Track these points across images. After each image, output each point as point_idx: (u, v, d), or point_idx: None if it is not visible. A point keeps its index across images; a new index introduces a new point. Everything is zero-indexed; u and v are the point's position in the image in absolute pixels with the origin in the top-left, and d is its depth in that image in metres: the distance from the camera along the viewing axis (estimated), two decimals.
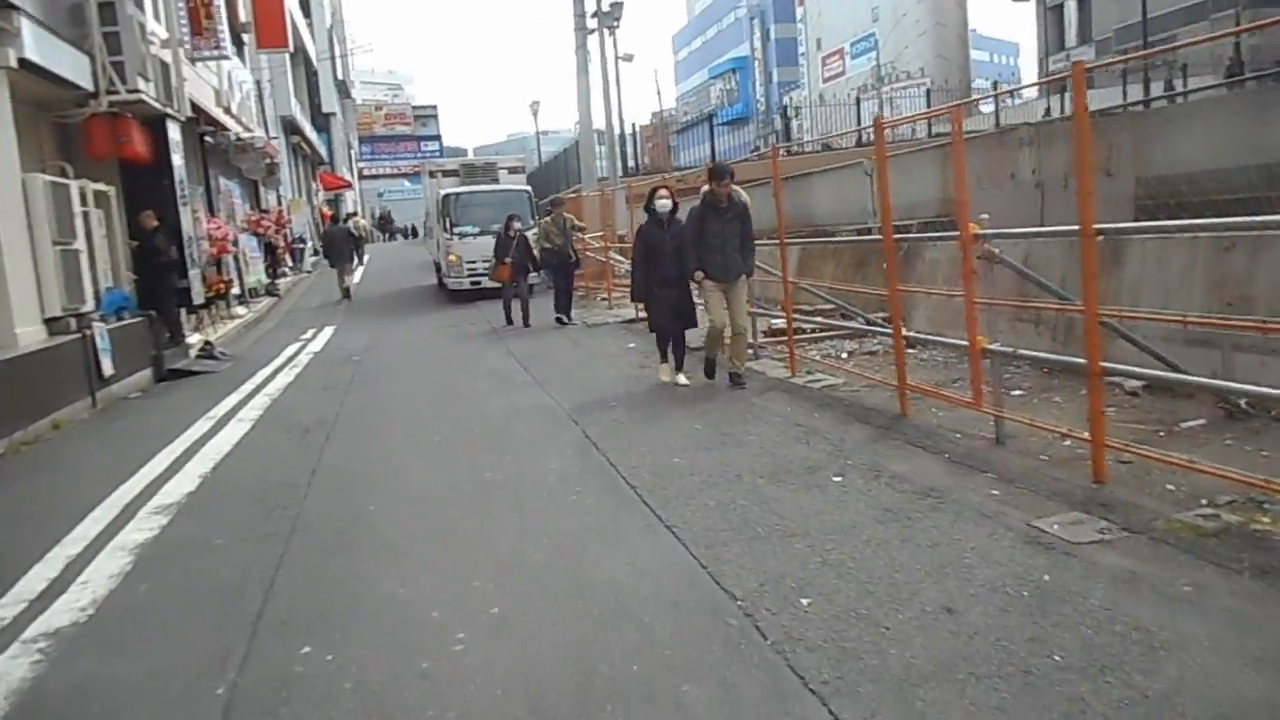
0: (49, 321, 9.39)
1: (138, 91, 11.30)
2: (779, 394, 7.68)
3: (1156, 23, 33.14)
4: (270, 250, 22.32)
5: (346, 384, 9.95)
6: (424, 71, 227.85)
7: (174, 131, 12.73)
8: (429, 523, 4.99)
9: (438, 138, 59.42)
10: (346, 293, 20.44)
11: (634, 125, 28.69)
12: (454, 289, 18.22)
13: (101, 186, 11.14)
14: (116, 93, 11.17)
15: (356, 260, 23.17)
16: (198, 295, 13.13)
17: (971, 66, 58.69)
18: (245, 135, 20.15)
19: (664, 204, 8.32)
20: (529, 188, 19.56)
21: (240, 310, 17.72)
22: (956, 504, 4.60)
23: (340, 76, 46.37)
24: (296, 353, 13.00)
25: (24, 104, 10.73)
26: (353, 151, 53.85)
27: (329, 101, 42.96)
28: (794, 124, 46.05)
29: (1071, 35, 42.84)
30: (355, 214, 32.73)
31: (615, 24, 22.72)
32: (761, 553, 4.06)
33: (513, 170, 19.62)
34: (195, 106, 16.01)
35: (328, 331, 15.41)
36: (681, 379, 8.38)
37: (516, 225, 13.96)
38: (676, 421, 6.98)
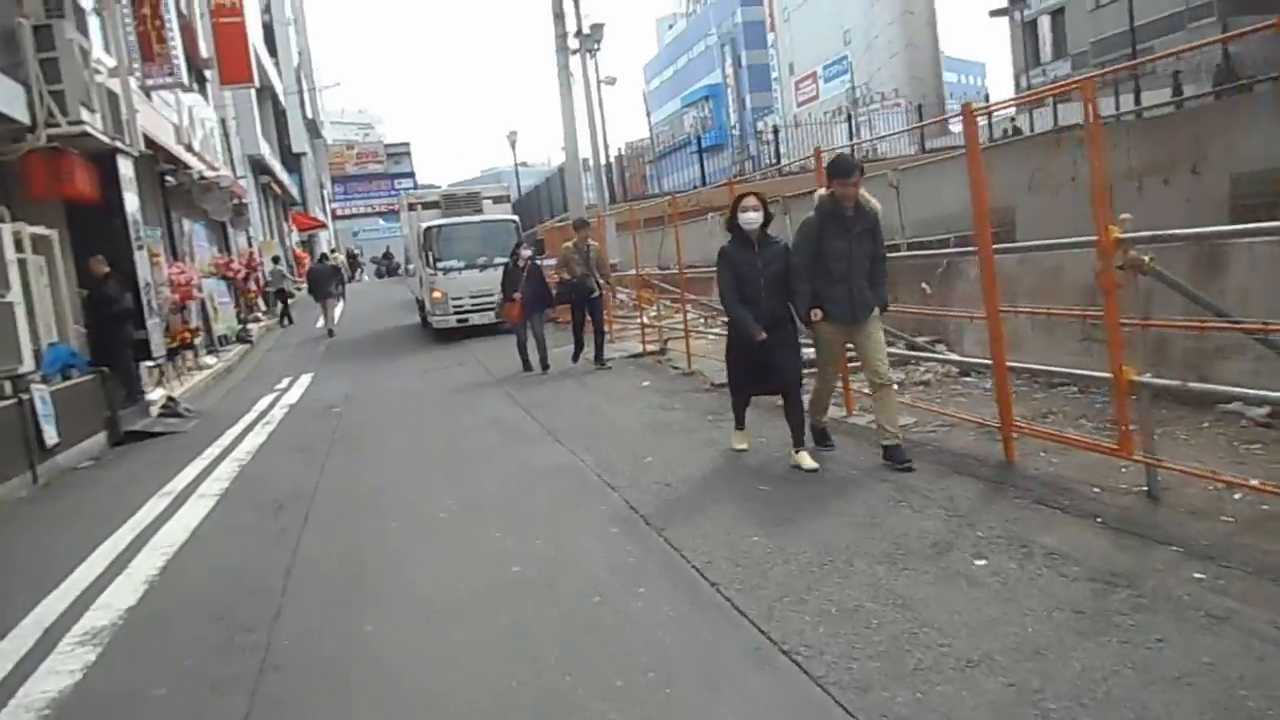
0: None
1: (81, 123, 10.00)
2: (841, 438, 6.46)
3: (1132, 34, 32.75)
4: (240, 295, 20.95)
5: (327, 443, 8.62)
6: (395, 110, 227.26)
7: (125, 168, 11.43)
8: (446, 652, 3.68)
9: (411, 174, 58.28)
10: (330, 330, 20.25)
11: (619, 150, 27.63)
12: (439, 328, 16.93)
13: (41, 230, 9.81)
14: (57, 125, 9.87)
15: (341, 295, 23.03)
16: (158, 347, 11.77)
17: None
18: (209, 174, 18.84)
19: (752, 218, 5.90)
20: (516, 217, 18.35)
21: (209, 360, 16.31)
22: (1164, 600, 3.38)
23: (310, 115, 45.18)
24: (270, 406, 11.64)
25: None
26: (325, 191, 52.56)
27: (299, 141, 41.73)
28: (767, 148, 45.40)
29: (1047, 51, 42.57)
30: (335, 250, 31.33)
31: (596, 47, 21.72)
32: (946, 702, 2.80)
33: (497, 200, 18.42)
34: (153, 143, 14.73)
35: (305, 380, 14.05)
36: (807, 461, 5.76)
37: (526, 254, 11.98)
38: (731, 480, 5.74)
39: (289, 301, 24.26)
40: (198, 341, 16.03)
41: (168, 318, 14.17)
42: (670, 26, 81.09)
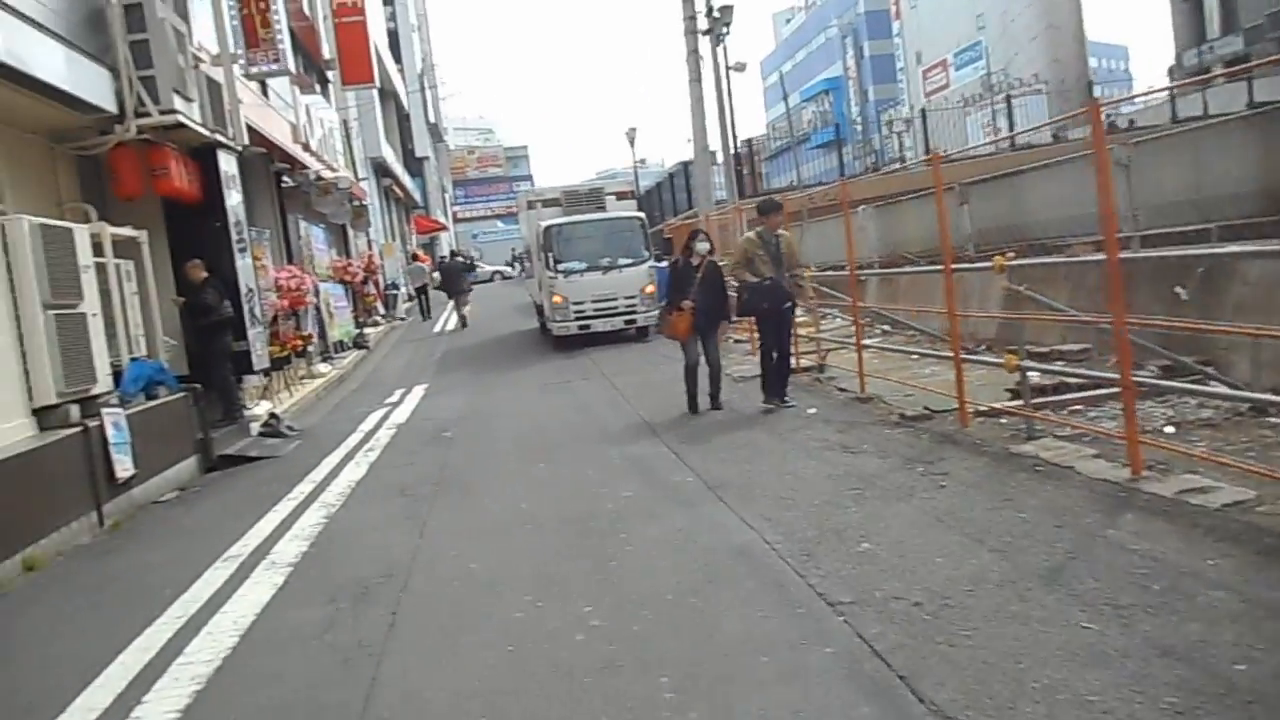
0: (40, 412, 6.77)
1: (174, 112, 8.77)
2: (1158, 525, 4.35)
3: None
4: (358, 299, 20.01)
5: (432, 485, 7.01)
6: (513, 114, 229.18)
7: (227, 163, 10.22)
8: None
9: (529, 177, 57.76)
10: (463, 321, 21.39)
11: (749, 142, 25.57)
12: (559, 334, 15.37)
13: (127, 231, 8.62)
14: (148, 114, 8.67)
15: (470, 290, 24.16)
16: (260, 359, 10.53)
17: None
18: (328, 175, 17.88)
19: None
20: (642, 214, 16.62)
21: (322, 368, 15.22)
22: None
23: (432, 120, 44.88)
24: (377, 425, 10.23)
25: (31, 132, 8.32)
26: (446, 195, 52.43)
27: (422, 145, 41.40)
28: (896, 139, 42.30)
29: (1214, 26, 38.01)
30: (456, 251, 30.67)
31: (725, 30, 19.77)
32: None
33: (621, 196, 16.73)
34: (267, 141, 13.68)
35: (417, 392, 12.68)
36: None
37: (703, 247, 8.61)
38: (1014, 588, 3.74)
39: (427, 296, 25.49)
40: (310, 349, 14.95)
41: (279, 325, 13.07)
42: (788, 21, 78.32)
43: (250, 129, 12.61)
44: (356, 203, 20.75)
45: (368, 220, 23.06)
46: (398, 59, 36.44)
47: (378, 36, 26.16)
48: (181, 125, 9.15)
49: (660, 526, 5.36)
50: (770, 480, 6.07)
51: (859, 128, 64.08)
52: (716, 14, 19.09)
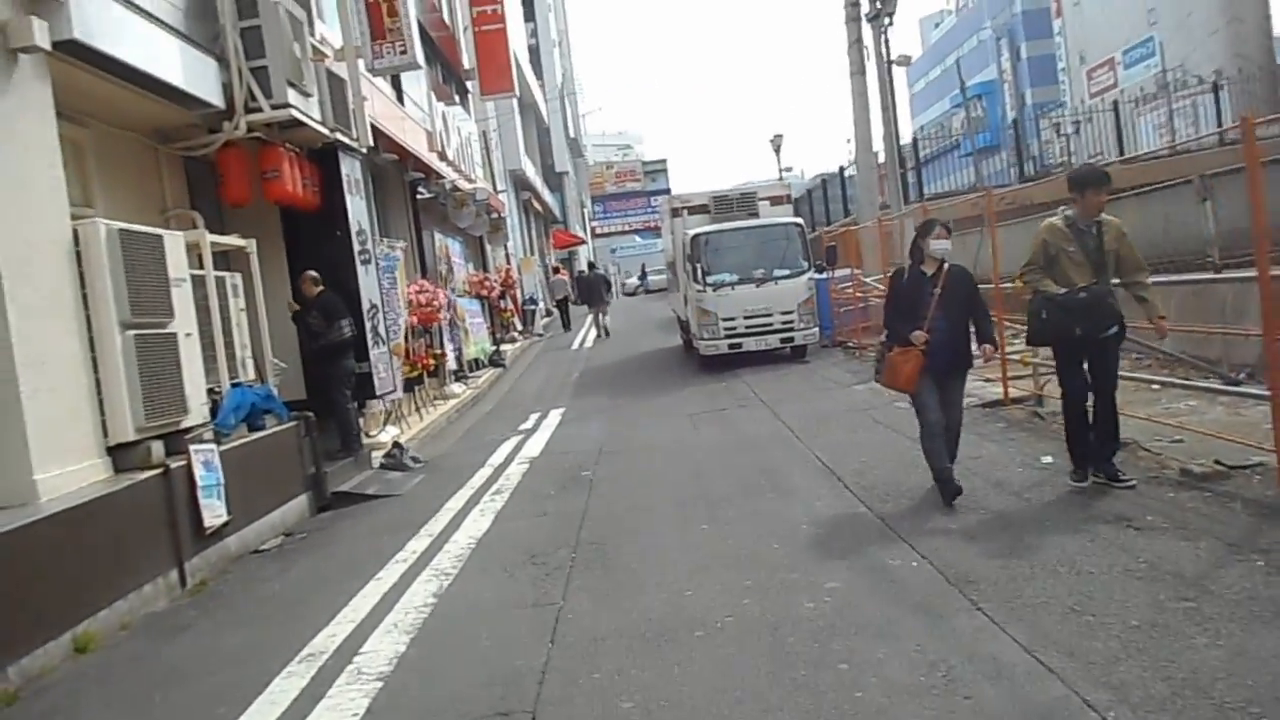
0: (116, 450, 5.66)
1: (288, 106, 7.70)
2: None
3: None
4: (495, 314, 19.04)
5: (568, 551, 5.46)
6: (653, 128, 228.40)
7: (349, 167, 9.14)
8: None
9: (667, 191, 56.55)
10: (605, 331, 21.41)
11: (914, 137, 23.22)
12: (707, 354, 13.72)
13: (232, 240, 7.57)
14: (258, 109, 7.62)
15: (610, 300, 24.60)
16: (384, 382, 9.38)
17: None
18: (465, 186, 16.96)
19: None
20: (800, 220, 14.79)
21: (456, 389, 14.15)
22: None
23: (572, 135, 44.39)
24: (508, 458, 8.86)
25: (133, 131, 7.39)
26: (585, 210, 51.96)
27: (561, 160, 40.87)
28: (1054, 145, 38.56)
29: None
30: (594, 265, 29.95)
31: (889, 19, 17.68)
32: None
33: (775, 201, 14.92)
34: (401, 149, 12.73)
35: (553, 417, 11.31)
36: None
37: (941, 246, 5.60)
38: None
39: (568, 309, 25.40)
40: (444, 368, 13.91)
41: (410, 343, 12.03)
42: (936, 25, 74.40)
43: (382, 134, 11.65)
44: (495, 215, 19.84)
45: (506, 234, 22.20)
46: (539, 75, 35.97)
47: (518, 47, 25.42)
48: (298, 123, 8.10)
49: (894, 649, 3.59)
50: (1043, 573, 4.20)
51: (1013, 133, 59.85)
52: (880, 1, 17.06)
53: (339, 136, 8.78)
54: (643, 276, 44.05)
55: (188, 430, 6.24)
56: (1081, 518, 5.01)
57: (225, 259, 7.85)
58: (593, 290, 22.59)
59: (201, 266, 6.87)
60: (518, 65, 24.17)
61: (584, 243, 44.38)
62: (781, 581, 4.54)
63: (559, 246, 40.52)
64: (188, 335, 6.42)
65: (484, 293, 17.92)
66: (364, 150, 9.47)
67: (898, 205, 16.45)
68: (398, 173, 13.77)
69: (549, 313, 26.99)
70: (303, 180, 8.34)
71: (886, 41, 16.89)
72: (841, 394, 10.49)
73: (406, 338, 11.45)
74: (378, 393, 9.25)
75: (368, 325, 9.08)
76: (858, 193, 16.42)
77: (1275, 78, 45.80)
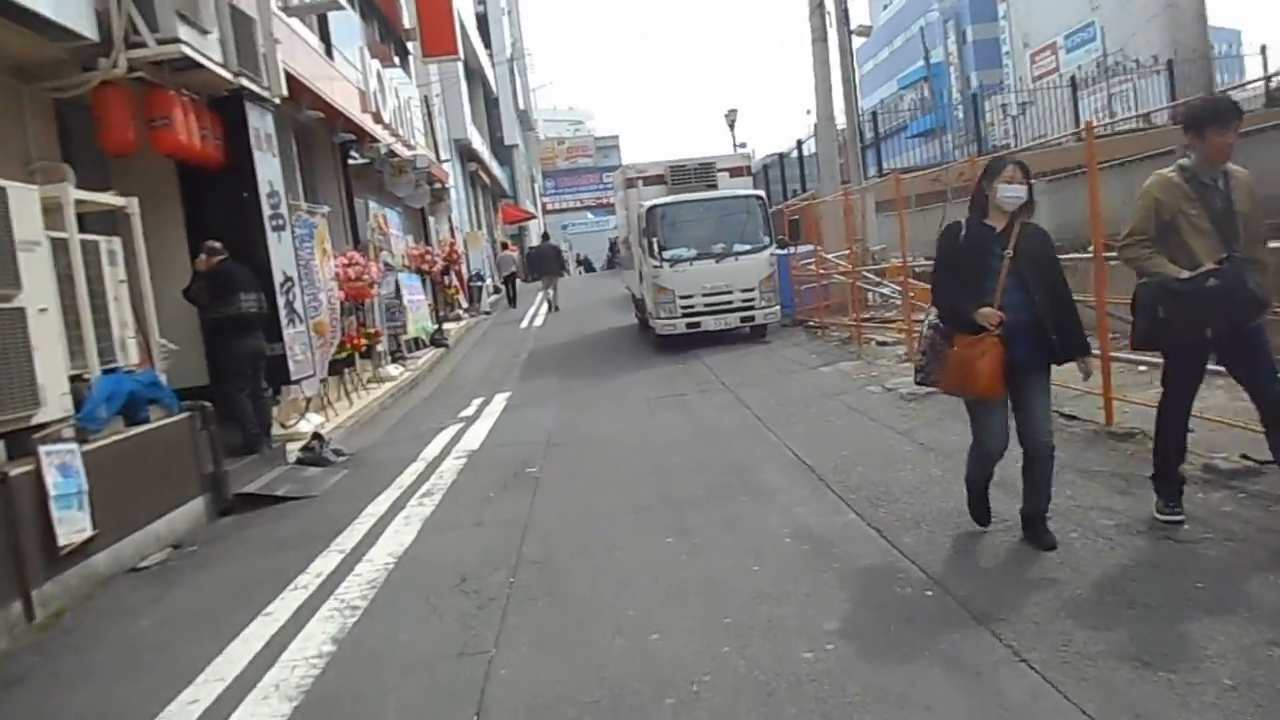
0: None
1: (177, 41, 6.44)
2: None
3: None
4: (438, 291, 17.80)
5: (505, 575, 4.44)
6: (605, 104, 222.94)
7: (258, 119, 7.89)
8: None
9: (619, 167, 55.33)
10: (553, 305, 20.91)
11: (873, 112, 22.37)
12: (663, 333, 12.74)
13: (106, 198, 6.31)
14: (142, 44, 6.37)
15: (564, 275, 24.62)
16: (300, 366, 8.19)
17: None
18: (403, 152, 15.64)
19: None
20: (761, 193, 13.84)
21: (392, 370, 12.95)
22: None
23: (522, 107, 42.81)
24: (443, 452, 7.79)
25: None
26: (536, 185, 50.42)
27: (511, 133, 39.30)
28: (998, 128, 38.34)
29: None
30: (547, 236, 28.62)
31: None
32: None
33: (735, 173, 13.95)
34: (329, 107, 11.45)
35: (498, 403, 10.24)
36: None
37: (1011, 194, 3.91)
38: None
39: (515, 285, 24.36)
40: (379, 348, 12.70)
41: (339, 320, 10.82)
42: (885, 7, 73.91)
43: (306, 89, 10.39)
44: (437, 185, 18.54)
45: (449, 205, 20.88)
46: (487, 44, 34.33)
47: (464, 9, 23.94)
48: (194, 64, 6.85)
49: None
50: (1091, 607, 3.32)
51: (960, 115, 59.71)
52: None
53: (245, 83, 7.52)
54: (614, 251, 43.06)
55: (41, 427, 5.06)
56: (1108, 525, 4.17)
57: (114, 221, 6.60)
58: (544, 261, 22.15)
59: (62, 229, 5.63)
60: (463, 28, 22.72)
61: (534, 218, 42.97)
62: (768, 619, 3.59)
63: (508, 221, 39.06)
64: (42, 311, 5.20)
65: (425, 267, 16.65)
66: (276, 101, 8.21)
67: (858, 179, 15.60)
68: (325, 134, 12.47)
69: (496, 290, 25.70)
70: (200, 131, 7.08)
71: (846, 9, 15.94)
72: (808, 377, 9.60)
73: (337, 315, 10.24)
74: (293, 377, 8.07)
75: (280, 300, 7.88)
76: (819, 165, 15.50)
77: (1209, 60, 46.21)
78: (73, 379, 5.50)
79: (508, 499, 5.99)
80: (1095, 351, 5.11)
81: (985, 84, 60.07)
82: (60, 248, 5.58)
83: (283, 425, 8.56)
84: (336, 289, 10.35)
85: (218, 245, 7.30)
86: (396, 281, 13.87)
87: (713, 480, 5.80)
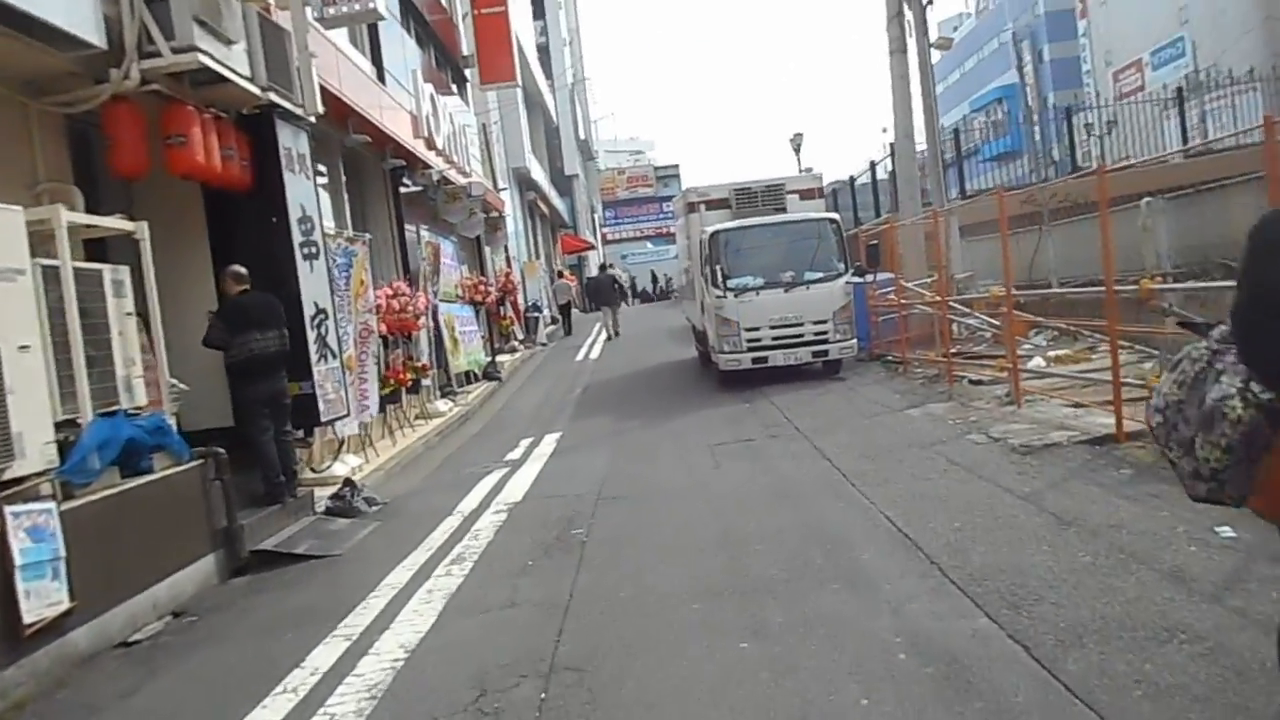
0: None
1: (194, 50, 5.86)
2: None
3: None
4: (492, 322, 17.19)
5: (537, 685, 3.55)
6: (665, 133, 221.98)
7: (291, 139, 7.30)
8: None
9: (681, 191, 54.79)
10: (614, 332, 21.19)
11: (955, 129, 21.25)
12: (726, 369, 11.81)
13: (110, 221, 5.71)
14: (156, 54, 5.80)
15: (623, 300, 25.10)
16: (332, 406, 7.50)
17: None
18: (457, 179, 15.13)
19: None
20: (835, 216, 12.88)
21: (441, 406, 12.30)
22: None
23: (583, 136, 42.59)
24: (481, 505, 6.98)
25: None
26: (596, 215, 50.13)
27: (571, 163, 39.05)
28: (1084, 148, 36.67)
29: None
30: (609, 265, 28.06)
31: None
32: None
33: (805, 195, 13.03)
34: (379, 132, 10.95)
35: (546, 445, 9.43)
36: None
37: None
38: None
39: (570, 314, 24.45)
40: (426, 383, 12.06)
41: (388, 355, 10.21)
42: (954, 29, 72.37)
43: (354, 112, 9.90)
44: (493, 214, 18.02)
45: (505, 235, 20.36)
46: (548, 74, 34.19)
47: (524, 39, 23.64)
48: (218, 78, 6.27)
49: None
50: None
51: (1037, 136, 57.68)
52: None
53: (275, 98, 6.93)
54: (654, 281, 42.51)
55: (15, 483, 4.40)
56: (1158, 534, 3.07)
57: (134, 248, 5.99)
58: (600, 292, 22.69)
59: (52, 256, 5.01)
60: (522, 56, 22.37)
61: (593, 248, 42.55)
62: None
63: (567, 251, 38.66)
64: (22, 348, 4.56)
65: (479, 298, 16.07)
66: (311, 119, 7.62)
67: (939, 201, 14.50)
68: (375, 160, 11.98)
69: (554, 320, 25.13)
70: (222, 150, 6.48)
71: (924, 17, 14.95)
72: (894, 421, 8.56)
73: (368, 349, 9.57)
74: (323, 418, 7.37)
75: (311, 335, 7.21)
76: (897, 186, 14.47)
77: None
78: (62, 425, 4.86)
79: (548, 570, 5.12)
80: None
81: (1061, 105, 58.19)
82: (52, 277, 4.98)
83: (313, 470, 7.89)
84: (373, 320, 9.71)
85: (244, 272, 6.68)
86: (434, 311, 13.22)
87: (794, 557, 4.83)
